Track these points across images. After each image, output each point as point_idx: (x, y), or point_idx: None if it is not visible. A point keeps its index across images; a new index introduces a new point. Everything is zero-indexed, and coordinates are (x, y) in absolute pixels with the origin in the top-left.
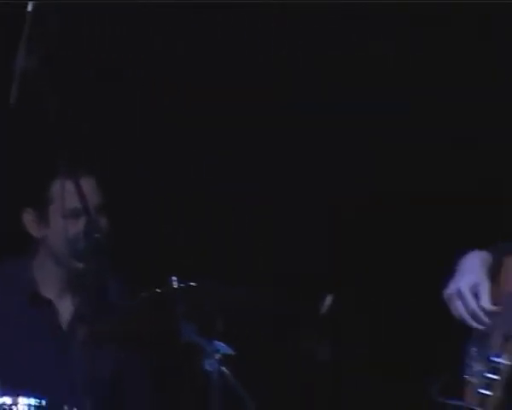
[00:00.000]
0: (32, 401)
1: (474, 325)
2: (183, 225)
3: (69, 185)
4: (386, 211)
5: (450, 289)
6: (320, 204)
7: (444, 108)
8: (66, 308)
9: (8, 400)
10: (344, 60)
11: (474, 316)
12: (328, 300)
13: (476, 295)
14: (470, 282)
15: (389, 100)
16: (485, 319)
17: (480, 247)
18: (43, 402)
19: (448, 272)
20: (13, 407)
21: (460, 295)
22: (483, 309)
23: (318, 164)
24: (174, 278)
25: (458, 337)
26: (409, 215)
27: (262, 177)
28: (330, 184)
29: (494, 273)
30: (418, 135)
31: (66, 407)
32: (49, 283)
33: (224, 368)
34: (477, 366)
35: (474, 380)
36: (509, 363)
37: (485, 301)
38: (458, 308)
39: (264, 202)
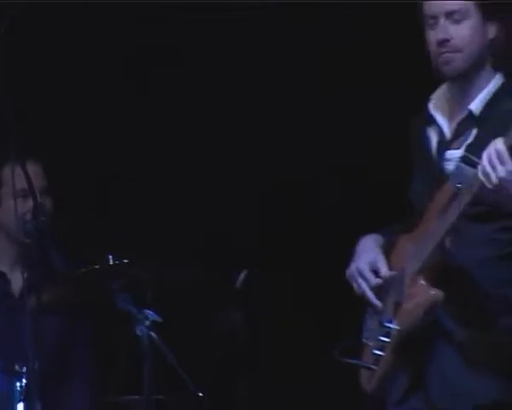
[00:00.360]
0: None
1: (373, 298)
2: (118, 207)
3: (18, 170)
4: (295, 195)
5: (351, 268)
6: (232, 187)
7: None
8: (17, 279)
9: None
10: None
11: (371, 290)
12: (242, 275)
13: (375, 272)
14: (368, 260)
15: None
16: (380, 294)
17: (375, 230)
18: None
19: (349, 253)
20: None
21: (360, 272)
22: (382, 277)
23: (234, 148)
24: (110, 255)
25: (357, 306)
26: (316, 201)
27: (188, 159)
28: (250, 165)
29: (386, 252)
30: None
31: (17, 366)
32: (2, 257)
33: (152, 333)
34: (372, 331)
35: (369, 343)
36: (398, 327)
37: (385, 271)
38: (361, 284)
39: (190, 186)
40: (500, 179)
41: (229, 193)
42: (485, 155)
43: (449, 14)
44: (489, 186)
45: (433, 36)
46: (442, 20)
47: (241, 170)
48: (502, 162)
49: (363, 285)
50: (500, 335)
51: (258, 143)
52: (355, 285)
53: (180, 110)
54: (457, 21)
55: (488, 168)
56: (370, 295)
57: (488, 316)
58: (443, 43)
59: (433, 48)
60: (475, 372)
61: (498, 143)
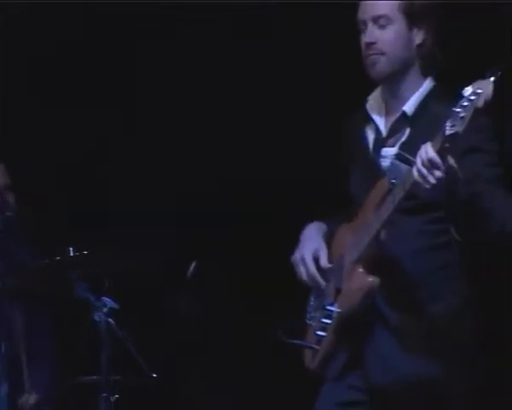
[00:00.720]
0: None
1: (314, 284)
2: (78, 203)
3: None
4: (240, 190)
5: (296, 255)
6: (182, 180)
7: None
8: None
9: None
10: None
11: (314, 277)
12: (193, 266)
13: (316, 259)
14: (311, 248)
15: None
16: (322, 280)
17: (318, 219)
18: None
19: (294, 241)
20: None
21: (303, 260)
22: (323, 268)
23: (186, 142)
24: (70, 247)
25: (301, 290)
26: (261, 194)
27: (143, 151)
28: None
29: (328, 240)
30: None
31: None
32: None
33: (110, 319)
34: (315, 313)
35: (312, 324)
36: (338, 310)
37: (324, 262)
38: (302, 273)
39: (145, 179)
40: (436, 180)
41: (180, 186)
42: (418, 160)
43: (375, 19)
44: (427, 186)
45: (362, 39)
46: (370, 25)
47: (190, 163)
48: (435, 166)
49: (305, 272)
50: (431, 319)
51: (208, 140)
52: (298, 271)
53: (133, 104)
54: (383, 26)
55: (424, 171)
56: (311, 280)
57: (420, 302)
58: (369, 45)
59: (362, 51)
60: (409, 354)
61: (429, 149)
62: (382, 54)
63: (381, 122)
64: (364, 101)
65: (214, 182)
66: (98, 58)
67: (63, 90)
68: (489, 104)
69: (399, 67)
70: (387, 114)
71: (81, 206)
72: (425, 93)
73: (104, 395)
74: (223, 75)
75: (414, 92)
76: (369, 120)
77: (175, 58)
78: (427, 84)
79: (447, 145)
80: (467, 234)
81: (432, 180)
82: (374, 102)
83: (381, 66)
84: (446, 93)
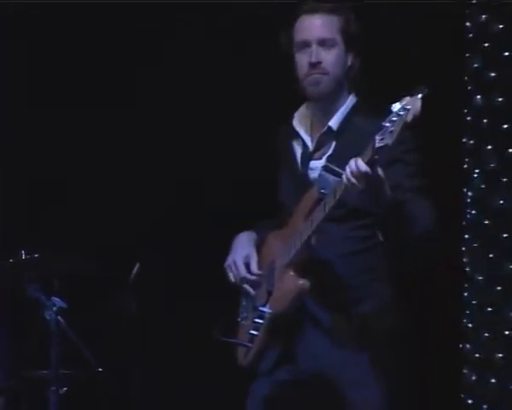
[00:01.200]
0: None
1: (245, 286)
2: (30, 208)
3: None
4: (183, 195)
5: (228, 260)
6: (124, 188)
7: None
8: None
9: None
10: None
11: (244, 280)
12: (136, 268)
13: (247, 264)
14: (242, 254)
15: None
16: (252, 283)
17: (249, 227)
18: None
19: (227, 248)
20: None
21: (235, 264)
22: (253, 273)
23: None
24: (22, 251)
25: (234, 293)
26: (199, 201)
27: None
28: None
29: (258, 247)
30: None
31: None
32: None
33: (59, 317)
34: (247, 314)
35: (245, 323)
36: (270, 311)
37: (254, 268)
38: (234, 276)
39: (92, 188)
40: (365, 186)
41: (124, 197)
42: (348, 169)
43: (321, 42)
44: (355, 193)
45: (304, 59)
46: (315, 46)
47: (131, 168)
48: (364, 175)
49: (237, 275)
50: (359, 318)
51: (150, 144)
52: (230, 275)
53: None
54: (327, 48)
55: (353, 180)
56: (242, 283)
57: (348, 302)
58: (315, 65)
59: (303, 69)
60: (339, 350)
61: (358, 159)
62: (326, 74)
63: (307, 137)
64: (291, 117)
65: (157, 188)
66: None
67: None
68: (417, 119)
69: (336, 86)
70: (313, 129)
71: (31, 210)
72: (348, 109)
73: (53, 388)
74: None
75: (340, 108)
76: (295, 135)
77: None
78: (351, 100)
79: (376, 157)
80: (393, 236)
81: (361, 187)
82: (300, 118)
83: (324, 85)
84: (367, 109)
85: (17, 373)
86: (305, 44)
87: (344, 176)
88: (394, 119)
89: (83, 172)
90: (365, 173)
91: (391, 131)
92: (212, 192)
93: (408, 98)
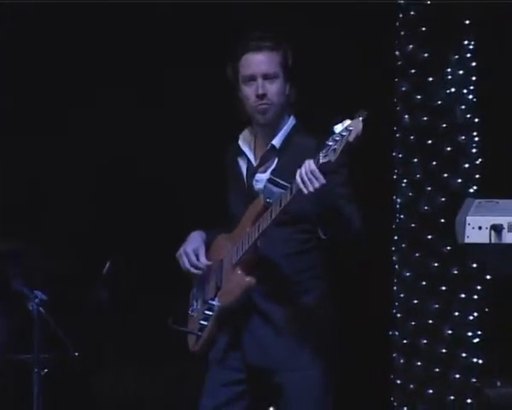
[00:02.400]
0: None
1: (195, 272)
2: (14, 210)
3: None
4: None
5: (180, 251)
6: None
7: None
8: None
9: None
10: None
11: (195, 267)
12: (108, 264)
13: (196, 255)
14: (193, 246)
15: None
16: (202, 269)
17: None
18: None
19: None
20: None
21: (186, 253)
22: (201, 263)
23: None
24: (8, 249)
25: (185, 286)
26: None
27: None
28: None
29: (207, 246)
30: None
31: None
32: None
33: (41, 309)
34: (197, 305)
35: (196, 315)
36: (219, 304)
37: (203, 259)
38: (185, 263)
39: (66, 187)
40: (315, 189)
41: (97, 197)
42: (303, 171)
43: (265, 76)
44: (305, 192)
45: (251, 91)
46: (260, 80)
47: (100, 169)
48: (315, 177)
49: (187, 263)
50: (300, 309)
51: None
52: (181, 262)
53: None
54: (271, 80)
55: (305, 178)
56: (192, 268)
57: (291, 295)
58: (262, 96)
59: (251, 100)
60: (281, 337)
61: (311, 163)
62: (271, 104)
63: (251, 155)
64: (237, 137)
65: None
66: None
67: None
68: (359, 140)
69: (280, 112)
70: (257, 147)
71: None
72: (289, 129)
73: (36, 370)
74: None
75: (281, 129)
76: (241, 153)
77: None
78: (291, 121)
79: (320, 170)
80: (331, 233)
81: (310, 188)
82: (244, 138)
83: (270, 113)
84: (306, 129)
85: (3, 357)
86: (251, 78)
87: (297, 176)
88: (337, 138)
89: (59, 174)
90: (315, 173)
91: (334, 149)
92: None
93: (349, 121)
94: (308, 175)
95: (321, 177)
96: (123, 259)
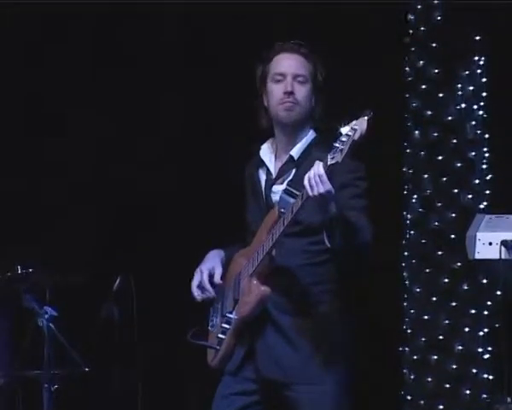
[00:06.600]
0: None
1: (199, 295)
2: (24, 228)
3: None
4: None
5: (198, 268)
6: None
7: None
8: None
9: None
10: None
11: (204, 285)
12: (118, 280)
13: (211, 275)
14: (209, 266)
15: None
16: (211, 290)
17: (219, 245)
18: None
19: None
20: None
21: (200, 271)
22: (215, 281)
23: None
24: (18, 266)
25: (205, 303)
26: (173, 222)
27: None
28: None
29: (226, 265)
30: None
31: None
32: None
33: (51, 325)
34: (216, 320)
35: (213, 330)
36: (236, 317)
37: (217, 277)
38: (196, 280)
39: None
40: (320, 194)
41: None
42: (311, 173)
43: (295, 76)
44: (310, 194)
45: (279, 88)
46: (289, 78)
47: (100, 190)
48: (322, 182)
49: (198, 280)
50: (314, 321)
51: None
52: (196, 279)
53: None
54: (300, 83)
55: (312, 182)
56: (202, 287)
57: (305, 307)
58: (289, 94)
59: (277, 97)
60: (294, 350)
61: (320, 167)
62: (297, 103)
63: (272, 166)
64: (258, 149)
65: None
66: None
67: None
68: (364, 138)
69: (303, 118)
70: (277, 159)
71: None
72: (308, 142)
73: (46, 385)
74: None
75: (301, 140)
76: (261, 164)
77: None
78: (311, 135)
79: (328, 173)
80: (337, 243)
81: (315, 191)
82: (266, 150)
83: (295, 112)
84: (324, 142)
85: (15, 373)
86: (281, 76)
87: (306, 178)
88: (344, 139)
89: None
90: (323, 177)
91: (341, 150)
92: (185, 216)
93: (355, 121)
94: (316, 178)
95: (327, 182)
96: (133, 275)
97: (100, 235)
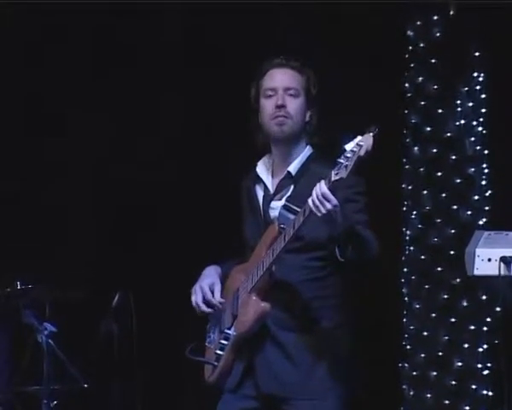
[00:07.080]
0: None
1: (206, 310)
2: (25, 242)
3: None
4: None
5: (196, 286)
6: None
7: None
8: None
9: None
10: None
11: (209, 303)
12: (117, 296)
13: (211, 291)
14: (209, 282)
15: None
16: (216, 306)
17: (215, 260)
18: None
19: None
20: None
21: (202, 289)
22: (216, 299)
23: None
24: (18, 281)
25: (203, 319)
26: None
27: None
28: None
29: (223, 280)
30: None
31: None
32: None
33: (50, 341)
34: (214, 336)
35: (211, 346)
36: (235, 333)
37: (217, 294)
38: (198, 299)
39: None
40: (327, 211)
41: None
42: (314, 193)
43: (286, 89)
44: (319, 215)
45: (270, 103)
46: (281, 92)
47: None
48: (327, 200)
49: (200, 299)
50: (315, 337)
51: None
52: (193, 298)
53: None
54: (292, 96)
55: (317, 202)
56: (203, 305)
57: (305, 323)
58: (281, 108)
59: (269, 112)
60: (294, 366)
61: (323, 186)
62: (289, 117)
63: (269, 182)
64: (254, 165)
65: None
66: None
67: None
68: (370, 154)
69: (296, 132)
70: (274, 175)
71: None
72: (305, 158)
73: (45, 401)
74: None
75: (298, 156)
76: (258, 180)
77: None
78: (308, 150)
79: (332, 189)
80: (351, 255)
81: (322, 210)
82: (262, 165)
83: (287, 127)
84: (322, 158)
85: (14, 388)
86: (273, 91)
87: (310, 200)
88: (349, 155)
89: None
90: (327, 196)
91: (345, 166)
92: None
93: (360, 137)
94: (319, 198)
95: (333, 198)
96: (132, 291)
97: (99, 244)
